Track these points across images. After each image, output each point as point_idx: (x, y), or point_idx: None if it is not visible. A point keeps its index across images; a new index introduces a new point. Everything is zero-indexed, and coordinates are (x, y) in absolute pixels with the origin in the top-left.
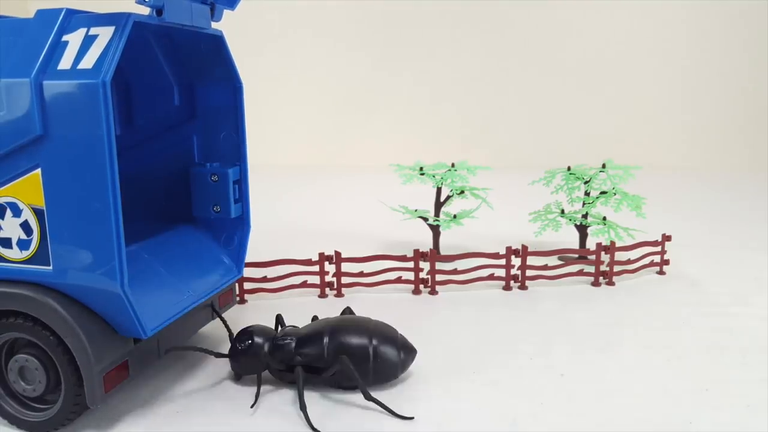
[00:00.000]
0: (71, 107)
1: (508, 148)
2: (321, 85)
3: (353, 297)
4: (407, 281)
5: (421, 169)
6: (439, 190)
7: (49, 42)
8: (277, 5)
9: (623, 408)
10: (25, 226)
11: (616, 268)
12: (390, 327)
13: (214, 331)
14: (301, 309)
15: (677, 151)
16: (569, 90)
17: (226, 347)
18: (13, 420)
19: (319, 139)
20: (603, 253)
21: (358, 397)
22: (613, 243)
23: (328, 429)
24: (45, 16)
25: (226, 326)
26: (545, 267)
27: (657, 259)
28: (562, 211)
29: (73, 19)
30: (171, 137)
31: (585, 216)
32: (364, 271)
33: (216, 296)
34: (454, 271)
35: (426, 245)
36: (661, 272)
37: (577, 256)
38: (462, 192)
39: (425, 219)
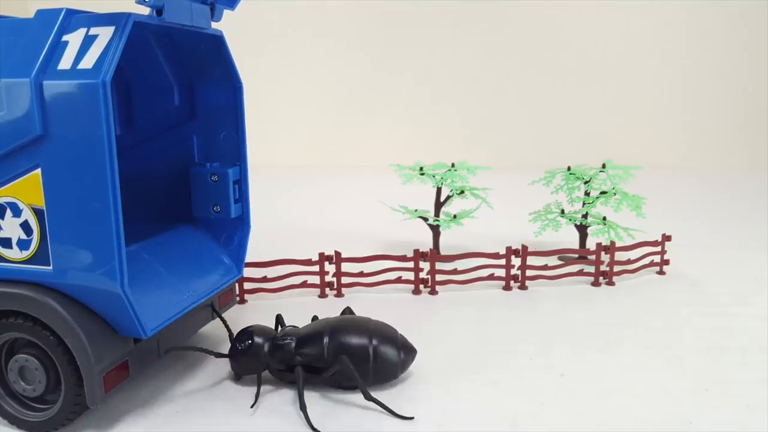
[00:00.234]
0: (71, 107)
1: (508, 148)
2: (321, 85)
3: (353, 297)
4: (407, 281)
5: (421, 169)
6: (439, 190)
7: (49, 42)
8: (277, 5)
9: (623, 408)
10: (25, 226)
11: (616, 268)
12: (390, 327)
13: (214, 331)
14: (301, 309)
15: (677, 151)
16: (569, 90)
17: (226, 347)
18: (13, 420)
19: (319, 139)
20: (603, 253)
21: (358, 397)
22: (613, 243)
23: (329, 429)
24: (45, 16)
25: (226, 326)
26: (545, 267)
27: (657, 259)
28: (562, 211)
29: (73, 19)
30: (171, 137)
31: (585, 216)
32: (364, 271)
33: (216, 296)
34: (454, 271)
35: (426, 245)
36: (661, 272)
37: (577, 256)
38: (462, 192)
39: (425, 219)
